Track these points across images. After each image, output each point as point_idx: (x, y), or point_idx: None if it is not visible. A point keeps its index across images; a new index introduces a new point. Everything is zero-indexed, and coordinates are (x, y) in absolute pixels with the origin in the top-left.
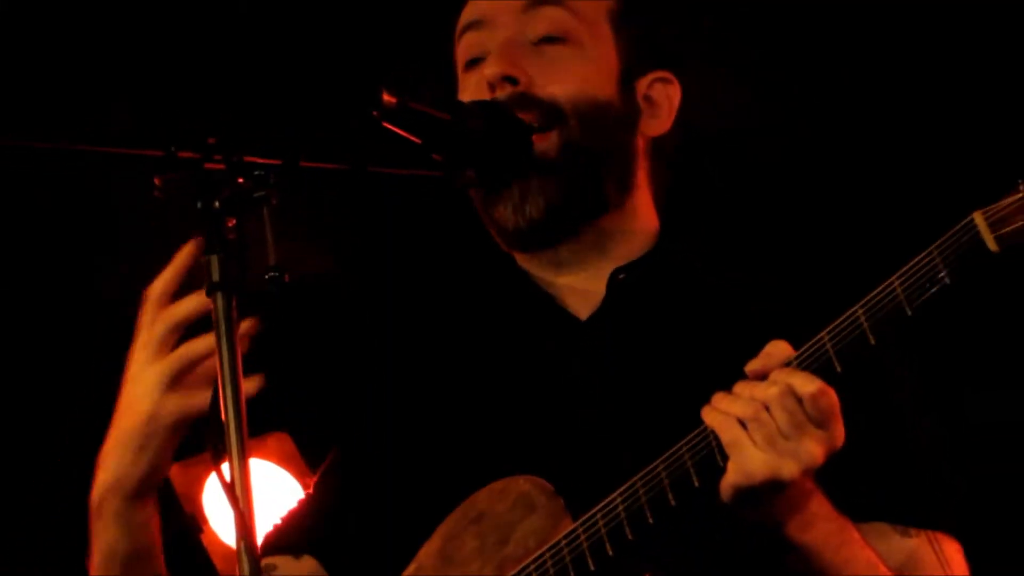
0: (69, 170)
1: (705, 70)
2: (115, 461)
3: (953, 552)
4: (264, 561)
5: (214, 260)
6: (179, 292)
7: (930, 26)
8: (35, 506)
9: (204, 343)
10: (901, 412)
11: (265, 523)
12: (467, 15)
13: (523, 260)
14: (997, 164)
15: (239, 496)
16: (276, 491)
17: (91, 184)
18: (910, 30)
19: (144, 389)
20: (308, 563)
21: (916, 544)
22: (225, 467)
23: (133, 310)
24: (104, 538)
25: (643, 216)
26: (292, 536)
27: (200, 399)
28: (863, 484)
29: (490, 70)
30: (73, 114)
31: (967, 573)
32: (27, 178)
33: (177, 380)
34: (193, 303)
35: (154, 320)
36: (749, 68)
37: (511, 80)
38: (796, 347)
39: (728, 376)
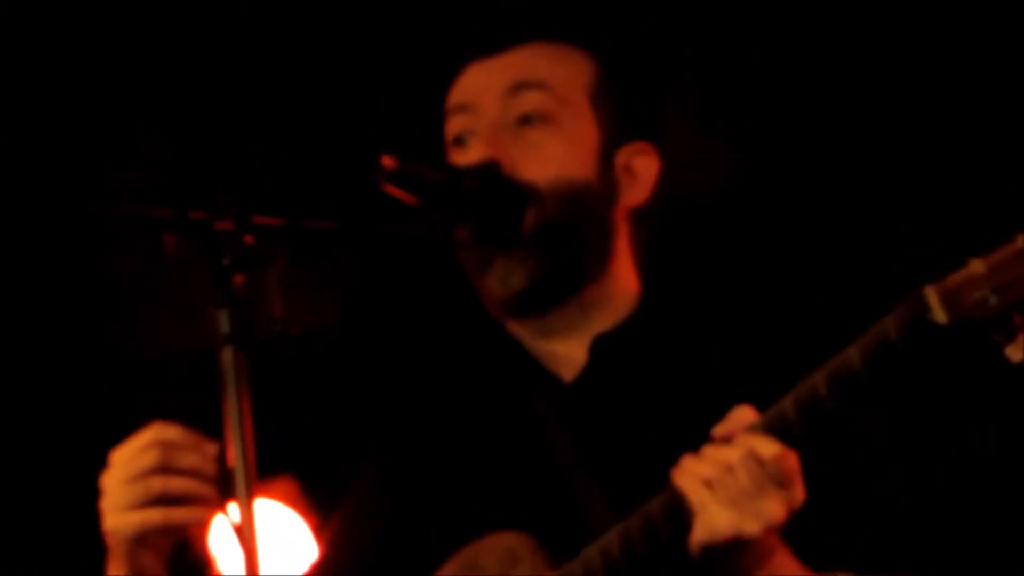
0: (78, 228)
1: (685, 136)
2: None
3: None
4: None
5: (223, 314)
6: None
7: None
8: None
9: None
10: (865, 461)
11: (271, 562)
12: (456, 96)
13: (512, 326)
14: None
15: (246, 536)
16: (282, 530)
17: (99, 243)
18: (890, 92)
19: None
20: None
21: None
22: (233, 509)
23: (139, 364)
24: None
25: (624, 282)
26: None
27: (163, 516)
28: (828, 532)
29: (476, 155)
30: (80, 170)
31: None
32: (36, 233)
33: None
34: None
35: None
36: (728, 132)
37: (494, 163)
38: (768, 401)
39: (702, 432)
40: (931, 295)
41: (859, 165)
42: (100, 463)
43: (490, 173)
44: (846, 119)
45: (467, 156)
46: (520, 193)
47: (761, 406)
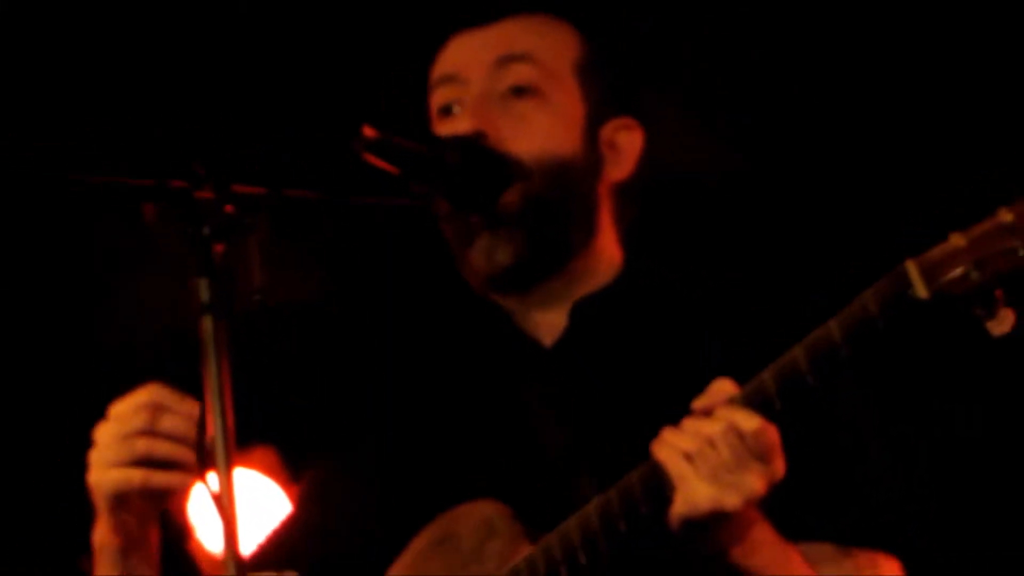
0: (57, 198)
1: (669, 113)
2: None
3: (894, 572)
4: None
5: (203, 283)
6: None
7: (887, 72)
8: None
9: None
10: (846, 435)
11: (250, 531)
12: (441, 67)
13: (494, 297)
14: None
15: (225, 505)
16: (261, 499)
17: (79, 212)
18: (870, 75)
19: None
20: None
21: (858, 564)
22: (212, 478)
23: (122, 338)
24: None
25: (607, 256)
26: (276, 553)
27: (143, 478)
28: (807, 505)
29: (463, 127)
30: (60, 143)
31: None
32: (11, 205)
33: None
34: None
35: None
36: (712, 110)
37: (481, 136)
38: (749, 374)
39: (683, 402)
40: (912, 269)
41: (843, 148)
42: (79, 433)
43: (471, 144)
44: (831, 103)
45: (453, 126)
46: (501, 164)
47: (740, 378)
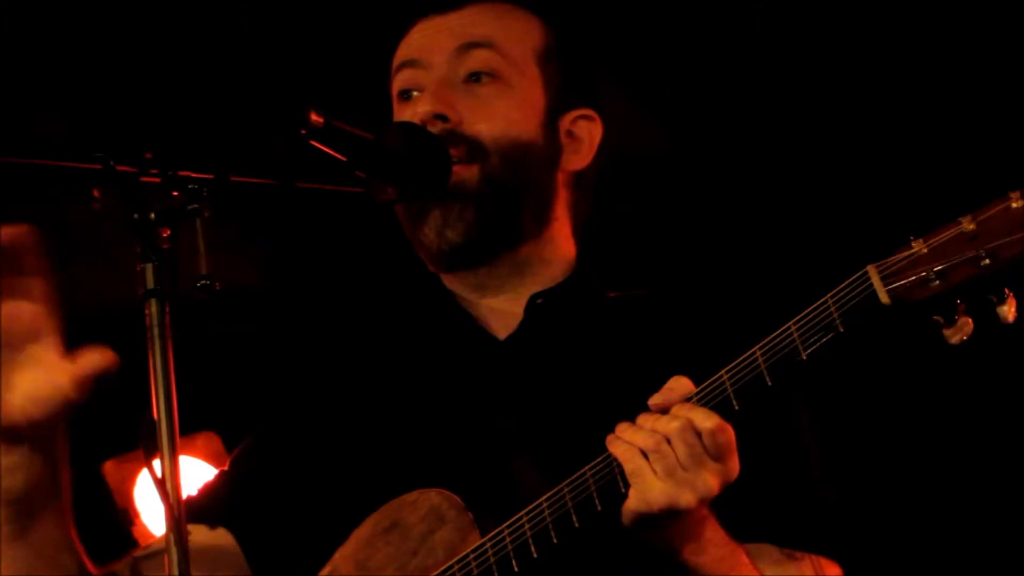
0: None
1: (627, 105)
2: None
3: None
4: None
5: (148, 268)
6: None
7: (837, 61)
8: None
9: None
10: (791, 441)
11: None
12: (403, 52)
13: (447, 280)
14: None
15: (169, 491)
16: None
17: (26, 196)
18: (818, 63)
19: None
20: (222, 534)
21: (800, 567)
22: (156, 464)
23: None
24: None
25: (561, 245)
26: (208, 507)
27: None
28: (754, 507)
29: (423, 108)
30: (7, 126)
31: None
32: None
33: None
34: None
35: None
36: (668, 104)
37: (442, 117)
38: (697, 373)
39: (634, 398)
40: (873, 274)
41: (805, 153)
42: None
43: (416, 132)
44: (795, 102)
45: (413, 109)
46: (444, 151)
47: (693, 375)
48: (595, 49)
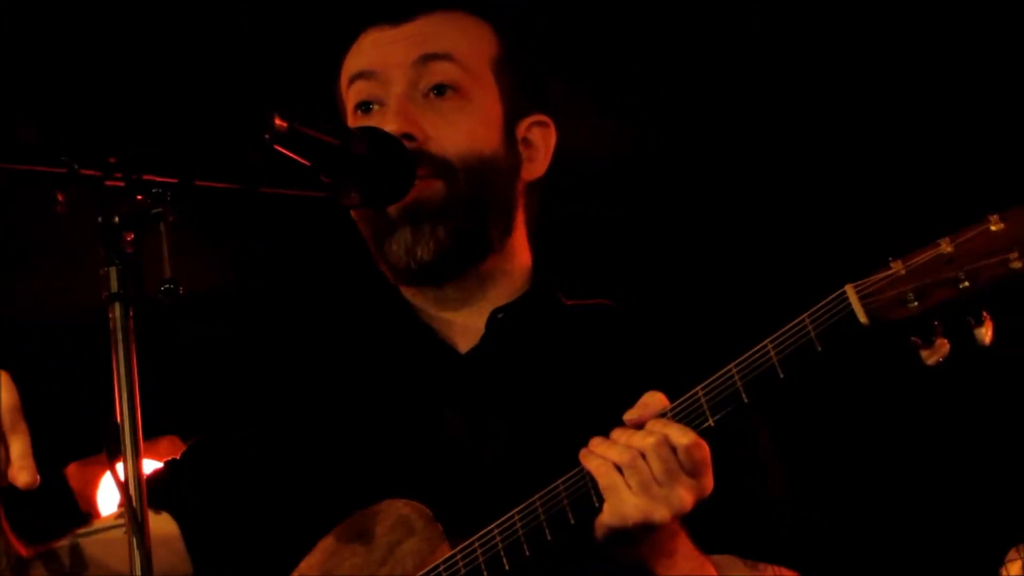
0: None
1: (580, 111)
2: None
3: None
4: (121, 509)
5: (112, 272)
6: None
7: (818, 80)
8: None
9: None
10: (756, 455)
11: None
12: (357, 63)
13: (408, 293)
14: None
15: (132, 495)
16: None
17: None
18: (799, 82)
19: None
20: (165, 520)
21: None
22: (120, 467)
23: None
24: None
25: (519, 255)
26: (154, 493)
27: None
28: (720, 519)
29: (389, 128)
30: None
31: None
32: None
33: None
34: None
35: None
36: (622, 109)
37: (408, 137)
38: (666, 388)
39: (598, 412)
40: (851, 293)
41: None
42: None
43: (381, 137)
44: (770, 111)
45: (372, 123)
46: (407, 157)
47: (661, 390)
48: (544, 53)
